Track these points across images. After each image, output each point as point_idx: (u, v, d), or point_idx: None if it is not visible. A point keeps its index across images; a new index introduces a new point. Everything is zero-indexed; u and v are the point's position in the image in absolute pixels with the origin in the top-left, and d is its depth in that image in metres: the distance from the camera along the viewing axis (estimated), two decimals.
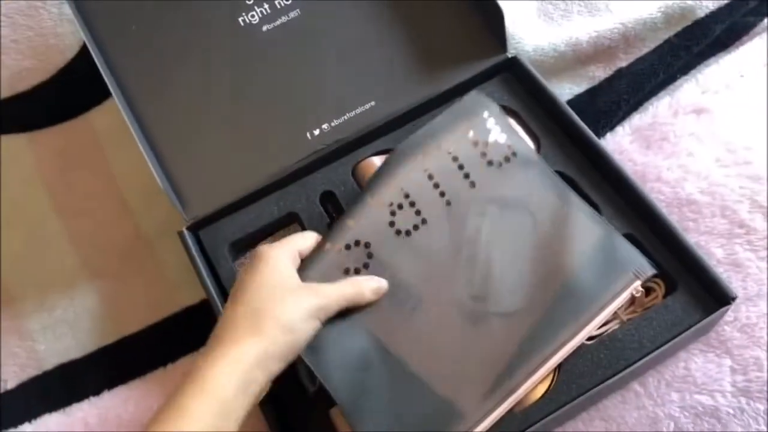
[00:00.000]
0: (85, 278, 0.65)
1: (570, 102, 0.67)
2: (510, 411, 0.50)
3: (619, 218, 0.56)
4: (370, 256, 0.53)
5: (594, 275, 0.51)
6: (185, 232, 0.59)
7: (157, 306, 0.62)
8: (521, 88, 0.63)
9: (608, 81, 0.68)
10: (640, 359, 0.51)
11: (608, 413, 0.55)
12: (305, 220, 0.60)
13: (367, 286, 0.51)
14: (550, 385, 0.51)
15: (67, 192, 0.69)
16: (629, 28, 0.68)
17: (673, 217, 0.57)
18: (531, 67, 0.63)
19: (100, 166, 0.69)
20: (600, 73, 0.68)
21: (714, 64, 0.68)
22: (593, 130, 0.59)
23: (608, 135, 0.65)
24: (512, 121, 0.62)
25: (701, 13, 0.69)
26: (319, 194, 0.61)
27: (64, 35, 0.75)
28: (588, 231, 0.53)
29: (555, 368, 0.51)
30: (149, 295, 0.63)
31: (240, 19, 0.65)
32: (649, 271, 0.52)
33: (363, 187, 0.61)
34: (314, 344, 0.48)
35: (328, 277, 0.52)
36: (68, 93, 0.73)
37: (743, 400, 0.54)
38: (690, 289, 0.53)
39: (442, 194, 0.55)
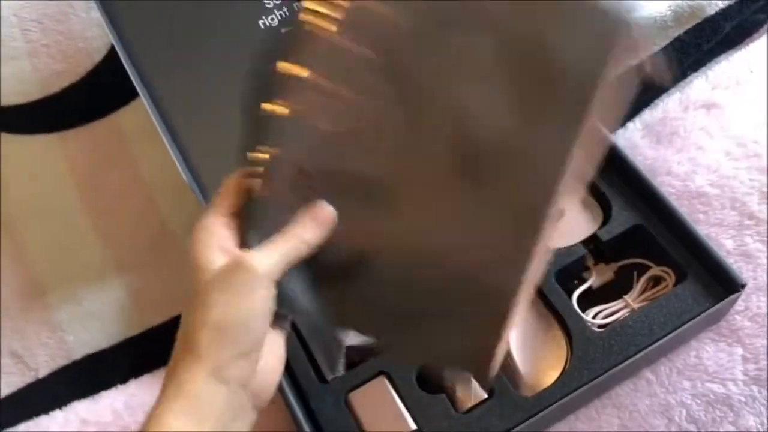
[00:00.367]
0: (113, 272, 0.66)
1: None
2: (521, 396, 0.51)
3: (630, 209, 0.57)
4: (309, 176, 0.43)
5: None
6: None
7: (182, 298, 0.64)
8: None
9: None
10: (651, 345, 0.51)
11: (620, 401, 0.55)
12: None
13: (303, 233, 0.41)
14: (562, 371, 0.52)
15: (96, 189, 0.70)
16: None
17: (683, 209, 0.58)
18: None
19: (127, 164, 0.71)
20: None
21: (724, 60, 0.68)
22: None
23: (619, 130, 0.66)
24: None
25: (711, 11, 0.69)
26: None
27: (92, 39, 0.76)
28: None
29: (568, 353, 0.52)
30: (174, 288, 0.64)
31: (260, 22, 0.67)
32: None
33: None
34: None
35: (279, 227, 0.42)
36: (96, 94, 0.75)
37: (755, 388, 0.54)
38: (700, 278, 0.53)
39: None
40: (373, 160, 0.43)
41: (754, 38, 0.69)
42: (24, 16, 0.78)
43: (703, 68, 0.68)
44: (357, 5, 0.42)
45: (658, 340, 0.51)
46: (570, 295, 0.55)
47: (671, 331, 0.52)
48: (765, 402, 0.54)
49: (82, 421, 0.60)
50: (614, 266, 0.57)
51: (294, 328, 0.57)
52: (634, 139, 0.65)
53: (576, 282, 0.56)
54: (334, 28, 0.42)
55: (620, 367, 0.51)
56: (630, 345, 0.52)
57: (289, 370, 0.55)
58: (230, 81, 0.66)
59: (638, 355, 0.51)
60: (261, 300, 0.39)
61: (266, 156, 0.43)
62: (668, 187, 0.62)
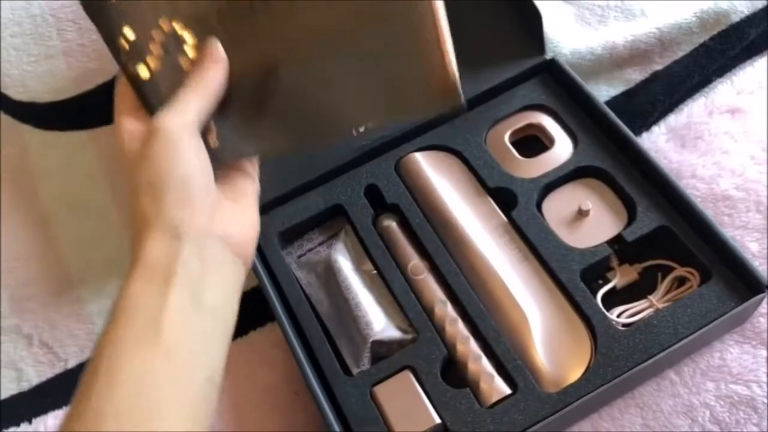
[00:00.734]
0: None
1: (606, 103, 0.68)
2: (545, 392, 0.51)
3: (655, 210, 0.57)
4: (177, 37, 0.44)
5: None
6: None
7: None
8: (559, 89, 0.64)
9: (644, 83, 0.69)
10: (675, 344, 0.51)
11: (644, 400, 0.55)
12: (350, 211, 0.61)
13: (202, 77, 0.42)
14: (587, 368, 0.51)
15: (126, 183, 0.71)
16: (665, 33, 0.69)
17: (708, 211, 0.58)
18: (568, 68, 0.64)
19: None
20: (636, 75, 0.69)
21: (749, 66, 0.68)
22: (629, 130, 0.60)
23: (644, 134, 0.66)
24: (550, 121, 0.64)
25: (736, 18, 0.69)
26: (363, 187, 0.62)
27: None
28: None
29: (592, 351, 0.53)
30: None
31: None
32: None
33: (406, 181, 0.63)
34: None
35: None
36: None
37: None
38: (724, 279, 0.53)
39: None
40: None
41: None
42: (61, 16, 0.79)
43: (728, 73, 0.69)
44: None
45: (682, 339, 0.51)
46: (594, 294, 0.55)
47: (696, 331, 0.51)
48: None
49: None
50: (638, 267, 0.57)
51: (320, 321, 0.58)
52: (659, 143, 0.65)
53: (600, 282, 0.56)
54: None
55: (644, 365, 0.50)
56: (654, 344, 0.51)
57: (315, 363, 0.55)
58: None
59: (662, 354, 0.51)
60: (187, 153, 0.40)
61: (132, 36, 0.44)
62: (693, 190, 0.62)
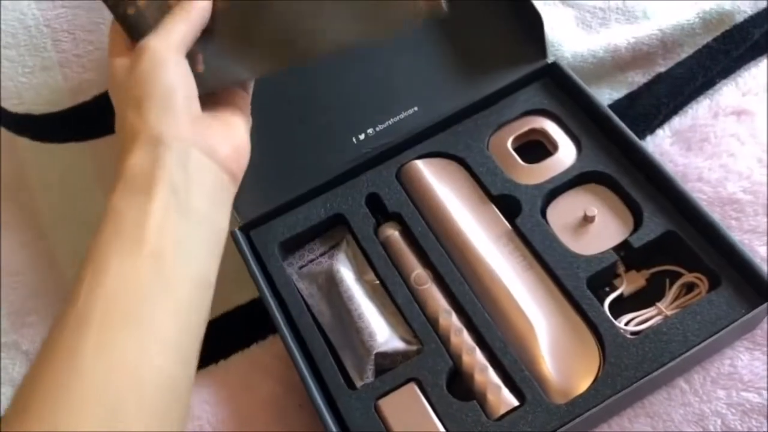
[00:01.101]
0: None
1: (609, 107, 0.67)
2: (554, 403, 0.50)
3: (662, 215, 0.56)
4: None
5: None
6: (237, 232, 0.60)
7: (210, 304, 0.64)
8: (561, 93, 0.64)
9: (647, 86, 0.68)
10: (686, 352, 0.50)
11: (654, 410, 0.54)
12: (351, 221, 0.60)
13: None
14: (595, 378, 0.51)
15: None
16: (667, 34, 0.68)
17: (715, 215, 0.57)
18: (570, 72, 0.63)
19: None
20: (639, 78, 0.69)
21: (754, 67, 0.68)
22: (633, 134, 0.60)
23: (648, 137, 0.65)
24: (553, 126, 0.63)
25: (740, 18, 0.68)
26: (364, 196, 0.61)
27: None
28: None
29: (600, 360, 0.52)
30: None
31: None
32: None
33: (408, 189, 0.62)
34: None
35: None
36: None
37: None
38: (734, 284, 0.52)
39: None
40: None
41: None
42: (56, 26, 0.79)
43: (733, 75, 0.68)
44: None
45: (693, 347, 0.50)
46: (601, 302, 0.54)
47: (706, 338, 0.50)
48: None
49: None
50: (646, 273, 0.56)
51: (323, 334, 0.57)
52: (664, 146, 0.65)
53: (607, 289, 0.56)
54: None
55: (655, 374, 0.50)
56: (664, 352, 0.50)
57: (317, 375, 0.54)
58: (256, 89, 0.67)
59: (673, 363, 0.50)
60: (171, 68, 0.43)
61: None
62: (699, 193, 0.61)
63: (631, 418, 0.54)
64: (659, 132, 0.66)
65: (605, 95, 0.68)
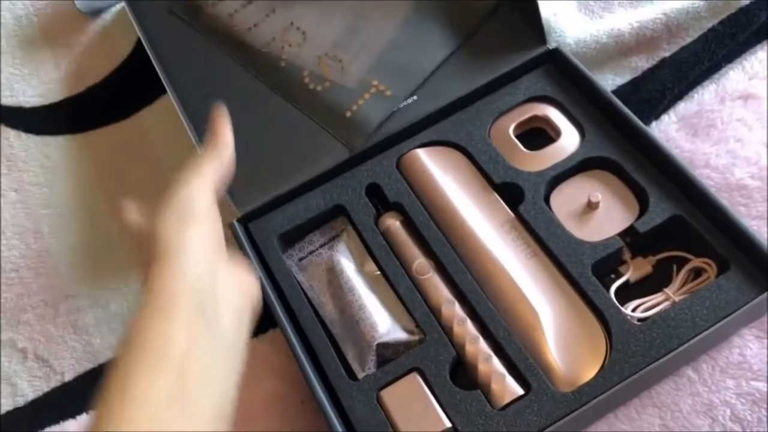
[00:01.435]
0: (138, 273, 0.66)
1: (613, 92, 0.67)
2: (560, 391, 0.50)
3: (668, 200, 0.55)
4: None
5: None
6: (236, 224, 0.60)
7: None
8: (563, 79, 0.63)
9: (651, 71, 0.68)
10: (694, 337, 0.50)
11: (661, 399, 0.53)
12: (351, 211, 0.60)
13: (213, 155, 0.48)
14: (602, 366, 0.50)
15: (121, 189, 0.70)
16: (672, 18, 0.68)
17: (723, 199, 0.57)
18: (573, 58, 0.63)
19: (151, 163, 0.71)
20: (643, 63, 0.68)
21: (760, 50, 0.67)
22: (638, 119, 0.60)
23: (654, 123, 0.64)
24: (556, 112, 0.63)
25: (745, 1, 0.68)
26: (364, 186, 0.61)
27: (114, 40, 0.77)
28: None
29: (607, 347, 0.52)
30: None
31: None
32: None
33: (408, 178, 0.62)
34: None
35: None
36: (120, 94, 0.75)
37: None
38: (743, 269, 0.52)
39: None
40: None
41: None
42: (46, 17, 0.79)
43: (739, 59, 0.68)
44: None
45: (701, 332, 0.50)
46: (607, 289, 0.54)
47: (715, 323, 0.50)
48: None
49: None
50: (652, 259, 0.56)
51: (323, 326, 0.57)
52: (670, 132, 0.64)
53: (613, 276, 0.55)
54: None
55: (663, 360, 0.49)
56: (673, 338, 0.50)
57: (319, 368, 0.54)
58: (255, 80, 0.67)
59: (681, 348, 0.49)
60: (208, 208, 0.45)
61: None
62: (707, 179, 0.60)
63: (639, 408, 0.54)
64: (664, 118, 0.65)
65: (609, 81, 0.68)
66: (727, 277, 0.52)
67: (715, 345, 0.54)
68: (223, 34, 0.69)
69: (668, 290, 0.54)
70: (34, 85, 0.77)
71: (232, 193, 0.61)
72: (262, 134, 0.64)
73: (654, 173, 0.57)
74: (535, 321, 0.53)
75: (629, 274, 0.55)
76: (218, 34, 0.69)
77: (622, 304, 0.53)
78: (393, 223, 0.60)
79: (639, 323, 0.52)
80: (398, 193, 0.61)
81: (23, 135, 0.75)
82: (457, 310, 0.55)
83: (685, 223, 0.55)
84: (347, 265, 0.59)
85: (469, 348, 0.53)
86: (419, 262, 0.57)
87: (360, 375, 0.54)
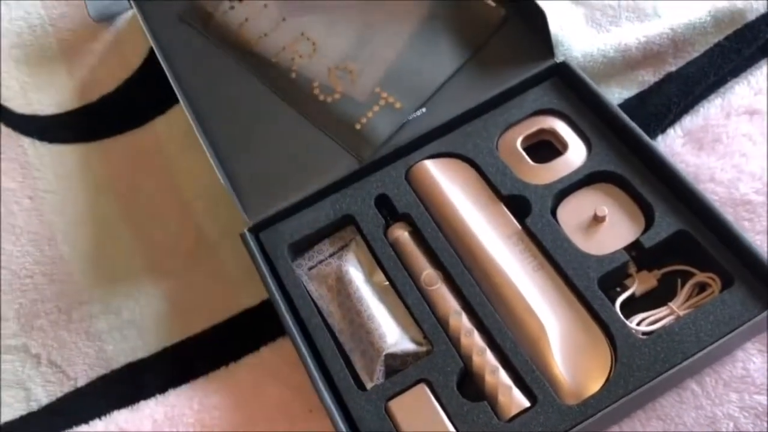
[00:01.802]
0: (151, 280, 0.66)
1: (619, 106, 0.67)
2: (565, 404, 0.51)
3: (673, 215, 0.56)
4: None
5: None
6: (247, 234, 0.60)
7: (220, 307, 0.64)
8: (570, 92, 0.64)
9: (658, 85, 0.68)
10: (699, 352, 0.50)
11: (665, 412, 0.54)
12: (360, 222, 0.61)
13: None
14: (607, 379, 0.51)
15: (134, 197, 0.71)
16: (678, 33, 0.68)
17: (728, 215, 0.57)
18: (580, 71, 0.63)
19: (164, 171, 0.71)
20: (649, 77, 0.69)
21: (765, 66, 0.67)
22: (644, 133, 0.60)
23: (659, 137, 0.65)
24: (563, 125, 0.64)
25: (751, 17, 0.68)
26: (374, 197, 0.61)
27: (128, 48, 0.78)
28: None
29: (612, 361, 0.52)
30: (211, 297, 0.64)
31: None
32: None
33: (417, 189, 0.62)
34: None
35: None
36: (133, 103, 0.76)
37: None
38: (747, 284, 0.52)
39: None
40: None
41: None
42: (61, 26, 0.79)
43: (744, 74, 0.68)
44: None
45: (706, 347, 0.50)
46: (613, 302, 0.54)
47: (720, 338, 0.50)
48: None
49: None
50: (657, 273, 0.56)
51: (333, 337, 0.57)
52: (675, 147, 0.64)
53: (618, 289, 0.56)
54: None
55: (667, 374, 0.50)
56: (677, 352, 0.50)
57: (328, 377, 0.54)
58: (267, 91, 0.68)
59: (685, 363, 0.50)
60: None
61: None
62: (712, 194, 0.61)
63: (643, 420, 0.54)
64: (670, 132, 0.66)
65: (615, 95, 0.68)
66: (731, 292, 0.52)
67: (719, 359, 0.55)
68: (233, 42, 0.70)
69: (673, 304, 0.54)
70: (49, 93, 0.77)
71: (243, 203, 0.62)
72: (273, 144, 0.65)
73: (660, 187, 0.58)
74: (541, 333, 0.54)
75: (634, 288, 0.56)
76: (229, 42, 0.70)
77: (627, 318, 0.54)
78: (401, 234, 0.61)
79: (644, 337, 0.52)
80: (407, 204, 0.61)
81: (38, 143, 0.75)
82: (465, 321, 0.55)
83: (690, 237, 0.55)
84: (356, 275, 0.59)
85: (476, 359, 0.53)
86: (427, 272, 0.58)
87: (368, 385, 0.54)
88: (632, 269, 0.56)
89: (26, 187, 0.74)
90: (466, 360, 0.54)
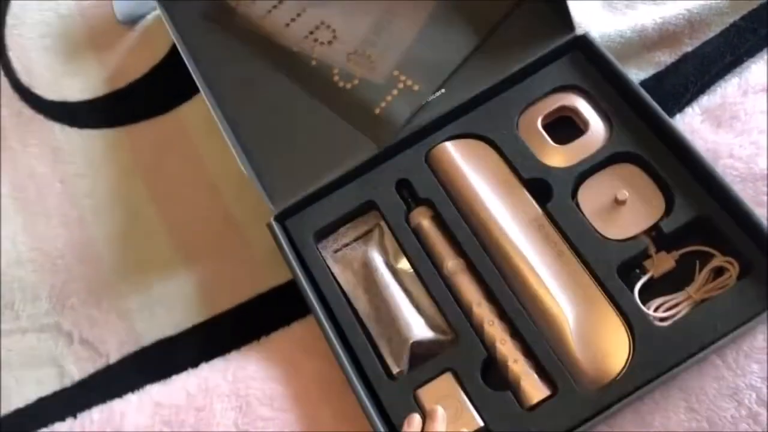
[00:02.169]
0: (179, 260, 0.66)
1: None
2: (587, 391, 0.50)
3: (692, 198, 0.55)
4: None
5: None
6: (273, 223, 0.60)
7: (248, 286, 0.64)
8: (591, 68, 0.62)
9: (674, 65, 0.67)
10: (715, 341, 0.50)
11: (686, 384, 0.53)
12: (382, 207, 0.60)
13: None
14: (626, 365, 0.50)
15: (161, 181, 0.70)
16: (694, 14, 0.67)
17: (748, 192, 0.56)
18: (600, 45, 0.61)
19: (191, 156, 0.71)
20: (666, 58, 0.67)
21: None
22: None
23: (678, 116, 0.64)
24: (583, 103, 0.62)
25: None
26: (394, 182, 0.61)
27: (154, 39, 0.77)
28: None
29: (630, 347, 0.51)
30: (238, 276, 0.64)
31: None
32: None
33: (438, 172, 0.61)
34: None
35: None
36: (160, 89, 0.75)
37: None
38: (765, 271, 0.51)
39: None
40: None
41: None
42: (89, 15, 0.79)
43: (761, 53, 0.67)
44: None
45: (722, 336, 0.50)
46: (631, 287, 0.53)
47: (736, 327, 0.50)
48: None
49: (156, 404, 0.60)
50: (675, 254, 0.55)
51: (361, 324, 0.57)
52: (694, 124, 0.63)
53: (637, 271, 0.55)
54: None
55: (683, 365, 0.50)
56: (694, 341, 0.50)
57: (357, 365, 0.55)
58: (287, 79, 0.67)
59: (703, 353, 0.50)
60: None
61: None
62: (731, 170, 0.59)
63: (663, 392, 0.54)
64: (688, 110, 0.64)
65: (633, 75, 0.66)
66: (748, 280, 0.51)
67: (738, 338, 0.54)
68: (255, 36, 0.69)
69: (689, 289, 0.53)
70: (79, 80, 0.77)
71: (268, 193, 0.61)
72: (295, 133, 0.64)
73: (680, 170, 0.56)
74: (561, 320, 0.53)
75: (653, 271, 0.55)
76: (251, 35, 0.69)
77: (645, 302, 0.53)
78: (424, 220, 0.60)
79: (661, 324, 0.51)
80: (428, 188, 0.60)
81: (68, 128, 0.75)
82: (487, 310, 0.55)
83: (710, 221, 0.54)
84: (381, 262, 0.59)
85: (499, 348, 0.53)
86: (450, 262, 0.57)
87: (395, 371, 0.54)
88: (651, 250, 0.55)
89: (57, 171, 0.74)
90: (489, 349, 0.53)
